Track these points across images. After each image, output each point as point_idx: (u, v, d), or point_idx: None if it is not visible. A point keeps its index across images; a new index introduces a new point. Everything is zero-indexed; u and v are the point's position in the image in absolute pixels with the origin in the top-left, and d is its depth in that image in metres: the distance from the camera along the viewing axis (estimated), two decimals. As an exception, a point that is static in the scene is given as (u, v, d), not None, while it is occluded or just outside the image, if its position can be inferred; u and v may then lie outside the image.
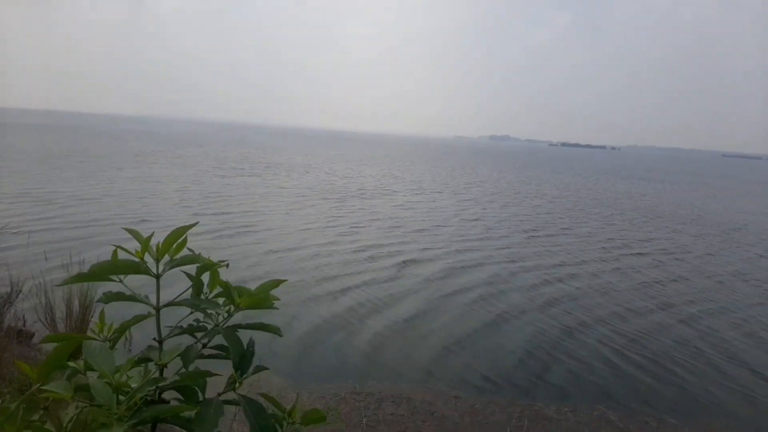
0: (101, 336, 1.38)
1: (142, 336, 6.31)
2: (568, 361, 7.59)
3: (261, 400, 1.38)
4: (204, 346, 1.35)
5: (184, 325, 1.35)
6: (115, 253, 1.27)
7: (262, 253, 12.19)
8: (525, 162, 77.70)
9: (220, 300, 1.35)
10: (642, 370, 7.46)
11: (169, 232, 1.27)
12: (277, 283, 1.40)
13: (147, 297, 1.30)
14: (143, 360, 1.20)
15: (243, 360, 1.23)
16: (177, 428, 1.18)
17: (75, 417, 1.05)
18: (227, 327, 1.29)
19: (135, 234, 1.28)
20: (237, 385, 1.18)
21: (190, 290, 1.40)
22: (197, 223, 1.47)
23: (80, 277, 1.14)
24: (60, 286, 1.34)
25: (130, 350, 6.20)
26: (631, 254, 15.13)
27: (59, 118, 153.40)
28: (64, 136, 58.79)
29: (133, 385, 1.06)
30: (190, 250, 1.31)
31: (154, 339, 1.28)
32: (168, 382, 1.11)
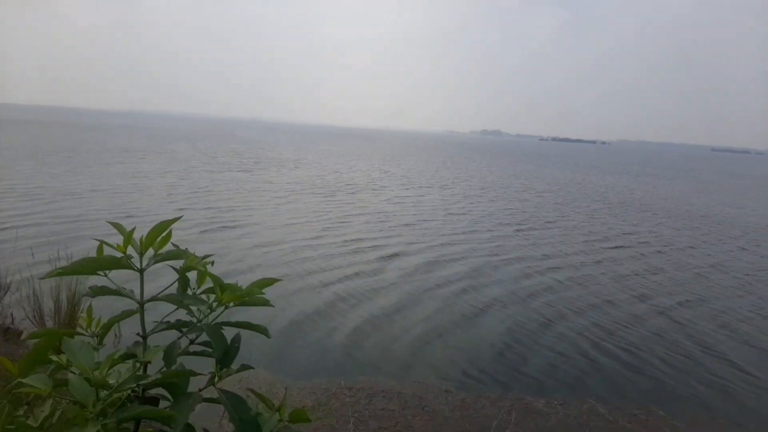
0: (89, 331, 1.37)
1: (132, 331, 6.27)
2: (557, 355, 7.65)
3: (250, 396, 1.37)
4: (191, 342, 1.34)
5: (173, 320, 1.34)
6: (100, 247, 1.26)
7: (249, 248, 12.15)
8: (515, 157, 77.98)
9: (212, 296, 1.33)
10: (630, 363, 7.53)
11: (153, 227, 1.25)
12: (269, 281, 1.38)
13: (132, 291, 1.28)
14: (127, 356, 1.18)
15: (227, 357, 1.22)
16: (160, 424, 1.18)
17: (53, 413, 1.04)
18: (212, 324, 1.28)
19: (119, 228, 1.26)
20: (216, 380, 1.17)
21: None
22: (181, 217, 1.45)
23: (61, 272, 1.13)
24: (42, 279, 1.32)
25: (119, 345, 6.16)
26: (616, 247, 15.26)
27: (47, 113, 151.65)
28: (52, 131, 58.14)
29: (111, 381, 1.05)
30: (174, 245, 1.29)
31: (138, 334, 1.27)
32: (149, 380, 1.10)
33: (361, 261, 11.74)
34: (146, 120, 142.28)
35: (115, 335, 6.32)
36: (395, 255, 12.49)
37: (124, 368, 1.17)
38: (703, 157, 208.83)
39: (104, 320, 1.36)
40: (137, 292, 1.28)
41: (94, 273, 1.20)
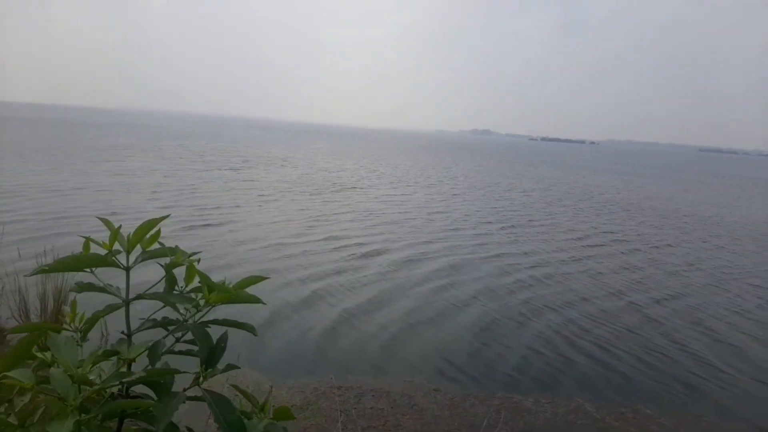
0: (73, 326, 1.35)
1: (120, 329, 6.22)
2: (545, 354, 7.69)
3: (235, 393, 1.36)
4: (177, 340, 1.33)
5: (160, 319, 1.33)
6: (86, 244, 1.24)
7: (235, 246, 12.10)
8: (504, 156, 78.32)
9: (200, 294, 1.32)
10: (617, 362, 7.59)
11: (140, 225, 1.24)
12: (257, 279, 1.38)
13: (119, 289, 1.27)
14: (111, 353, 1.17)
15: (212, 356, 1.21)
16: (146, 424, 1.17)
17: (34, 412, 1.03)
18: (198, 323, 1.27)
19: (107, 223, 1.25)
20: (201, 379, 1.16)
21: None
22: (169, 215, 1.44)
23: (45, 269, 1.11)
24: (27, 276, 1.31)
25: (106, 342, 6.10)
26: (614, 247, 15.39)
27: (37, 110, 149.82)
28: (41, 128, 57.46)
29: (93, 378, 1.04)
30: (160, 243, 1.28)
31: (122, 332, 1.26)
32: (133, 377, 1.09)
33: (350, 260, 11.74)
34: (136, 118, 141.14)
35: (102, 334, 6.26)
36: (380, 253, 12.52)
37: (109, 366, 1.16)
38: (690, 157, 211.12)
39: (90, 316, 1.34)
40: (121, 289, 1.27)
41: (79, 270, 1.19)
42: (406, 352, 7.38)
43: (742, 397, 6.90)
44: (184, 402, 1.16)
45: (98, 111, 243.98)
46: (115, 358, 1.20)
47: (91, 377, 1.08)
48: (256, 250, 11.85)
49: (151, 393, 1.22)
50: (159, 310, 1.35)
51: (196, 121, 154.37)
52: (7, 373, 1.01)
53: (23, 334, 1.10)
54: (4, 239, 10.36)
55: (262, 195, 20.49)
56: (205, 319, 1.31)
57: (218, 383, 1.77)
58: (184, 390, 1.18)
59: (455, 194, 25.81)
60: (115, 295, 1.25)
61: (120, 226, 1.25)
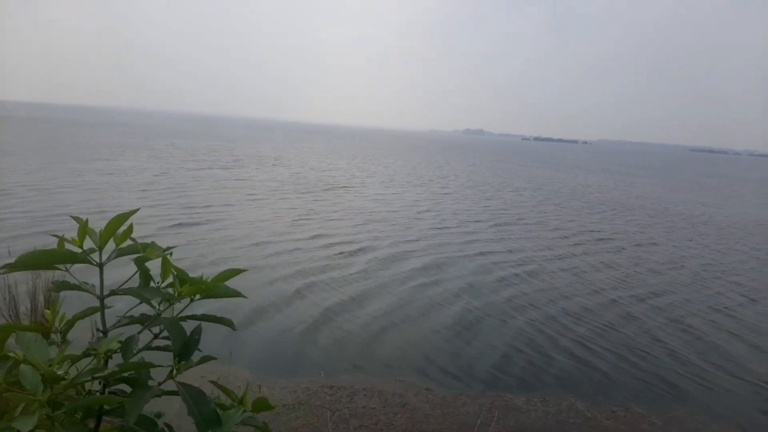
0: (55, 327, 1.34)
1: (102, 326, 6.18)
2: (536, 353, 7.71)
3: (215, 389, 1.35)
4: (156, 336, 1.31)
5: (137, 315, 1.32)
6: (60, 242, 1.22)
7: (222, 243, 12.10)
8: (497, 155, 78.44)
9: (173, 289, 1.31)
10: (608, 361, 7.62)
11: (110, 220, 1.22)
12: (234, 272, 1.37)
13: (94, 286, 1.25)
14: (87, 351, 1.15)
15: (186, 349, 1.19)
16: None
17: (3, 406, 1.01)
18: (174, 317, 1.25)
19: (77, 220, 1.23)
20: (175, 373, 1.15)
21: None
22: (138, 209, 1.42)
23: (11, 267, 1.09)
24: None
25: (90, 341, 6.05)
26: (602, 245, 15.43)
27: (37, 109, 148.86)
28: (33, 127, 57.09)
29: (61, 373, 1.03)
30: (132, 239, 1.27)
31: (98, 329, 1.24)
32: (105, 373, 1.07)
33: (339, 258, 11.74)
34: (135, 117, 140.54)
35: (93, 334, 6.21)
36: (376, 252, 12.51)
37: (85, 364, 1.15)
38: (682, 157, 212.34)
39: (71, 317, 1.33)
40: (101, 285, 1.26)
41: (50, 268, 1.17)
42: (398, 352, 7.37)
43: (733, 395, 6.94)
44: (159, 396, 1.14)
45: (98, 110, 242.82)
46: (91, 356, 1.19)
47: (68, 375, 1.06)
48: (244, 248, 11.89)
49: (130, 390, 1.20)
50: (136, 306, 1.34)
51: (195, 121, 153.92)
52: None
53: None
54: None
55: (252, 194, 20.46)
56: (183, 314, 1.30)
57: (199, 379, 1.76)
58: (159, 384, 1.17)
59: (446, 193, 25.92)
60: (90, 292, 1.24)
61: (87, 220, 1.23)
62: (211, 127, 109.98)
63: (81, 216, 1.25)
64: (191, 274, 1.28)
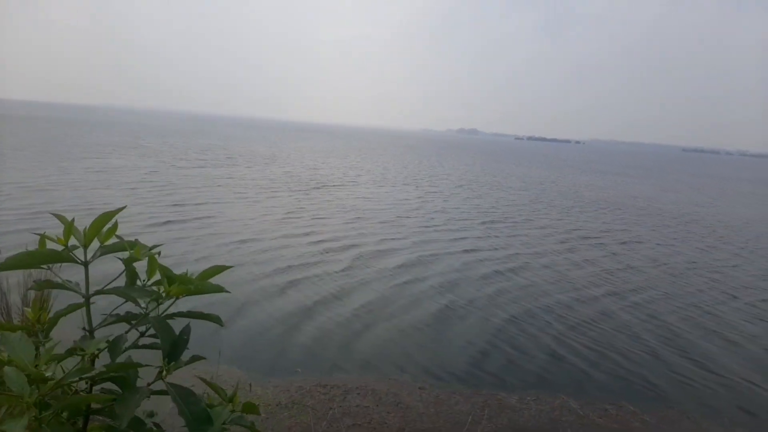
0: (38, 326, 1.32)
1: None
2: (529, 351, 7.72)
3: (206, 394, 1.34)
4: (142, 335, 1.30)
5: (123, 313, 1.30)
6: (42, 241, 1.21)
7: (215, 244, 12.02)
8: (490, 155, 78.67)
9: (161, 287, 1.29)
10: (601, 359, 7.64)
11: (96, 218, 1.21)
12: (219, 269, 1.35)
13: (78, 285, 1.24)
14: (73, 351, 1.14)
15: (175, 349, 1.18)
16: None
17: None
18: (160, 316, 1.24)
19: (61, 219, 1.22)
20: (164, 373, 1.14)
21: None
22: (125, 207, 1.40)
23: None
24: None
25: (75, 341, 6.01)
26: (591, 243, 15.49)
27: (36, 108, 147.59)
28: (26, 126, 56.60)
29: (49, 374, 1.02)
30: (118, 237, 1.25)
31: (83, 329, 1.23)
32: (92, 373, 1.06)
33: (332, 257, 11.73)
34: (135, 117, 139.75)
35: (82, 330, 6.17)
36: (368, 252, 12.52)
37: (72, 364, 1.13)
38: (673, 157, 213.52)
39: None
40: (86, 284, 1.24)
41: (35, 267, 1.16)
42: (391, 351, 7.35)
43: (726, 395, 6.97)
44: (148, 397, 1.13)
45: (97, 109, 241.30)
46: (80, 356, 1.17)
47: (55, 376, 1.05)
48: (231, 245, 11.89)
49: (119, 390, 1.19)
50: (122, 304, 1.32)
51: (195, 121, 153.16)
52: None
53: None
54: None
55: (243, 192, 20.43)
56: (171, 311, 1.29)
57: (189, 378, 1.75)
58: (149, 385, 1.16)
59: (438, 191, 25.98)
60: (75, 291, 1.22)
61: (73, 219, 1.21)
62: (210, 126, 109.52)
63: (69, 214, 1.23)
64: (177, 271, 1.27)
